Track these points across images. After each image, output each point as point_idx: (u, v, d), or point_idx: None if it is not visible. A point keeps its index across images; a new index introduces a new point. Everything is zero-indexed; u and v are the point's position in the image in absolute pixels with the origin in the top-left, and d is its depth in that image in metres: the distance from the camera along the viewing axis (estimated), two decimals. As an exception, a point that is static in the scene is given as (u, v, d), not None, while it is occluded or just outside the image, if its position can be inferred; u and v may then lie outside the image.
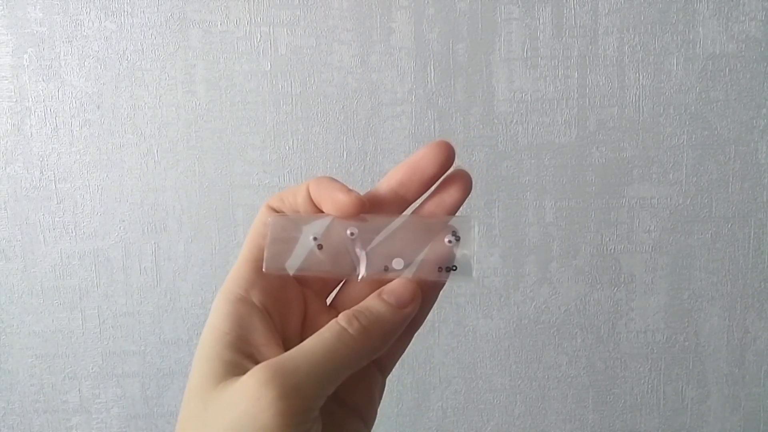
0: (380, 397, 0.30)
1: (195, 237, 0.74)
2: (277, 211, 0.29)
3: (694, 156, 0.73)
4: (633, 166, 0.73)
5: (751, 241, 0.74)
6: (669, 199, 0.73)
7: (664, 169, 0.73)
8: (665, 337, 0.76)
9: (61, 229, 0.74)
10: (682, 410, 0.77)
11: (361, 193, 0.28)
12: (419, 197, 0.30)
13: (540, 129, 0.72)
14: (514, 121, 0.72)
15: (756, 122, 0.72)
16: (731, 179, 0.73)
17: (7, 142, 0.72)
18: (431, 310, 0.30)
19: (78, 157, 0.73)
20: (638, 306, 0.75)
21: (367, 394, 0.30)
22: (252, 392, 0.23)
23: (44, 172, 0.73)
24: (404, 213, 0.30)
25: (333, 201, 0.28)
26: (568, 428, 0.78)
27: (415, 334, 0.31)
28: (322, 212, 0.29)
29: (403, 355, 0.31)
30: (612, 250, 0.74)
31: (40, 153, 0.73)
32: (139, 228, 0.74)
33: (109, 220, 0.74)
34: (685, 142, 0.72)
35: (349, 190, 0.28)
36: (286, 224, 0.29)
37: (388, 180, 0.29)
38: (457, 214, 0.30)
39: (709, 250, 0.74)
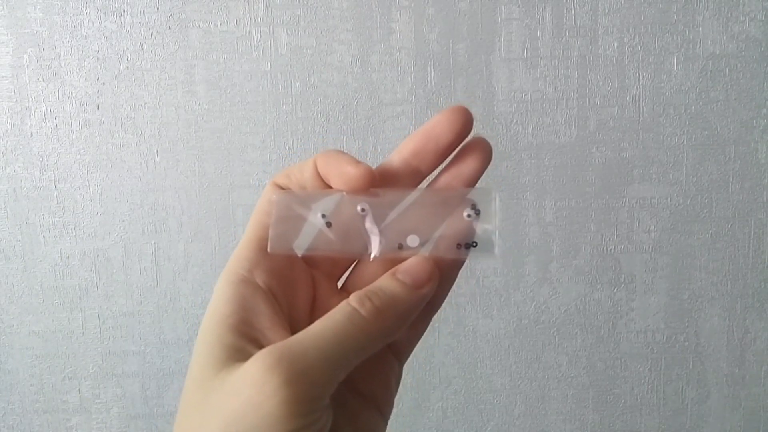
0: (397, 387, 0.28)
1: (195, 237, 0.74)
2: (283, 188, 0.27)
3: (694, 156, 0.73)
4: (633, 166, 0.73)
5: (751, 241, 0.74)
6: (669, 199, 0.73)
7: (664, 169, 0.73)
8: (665, 337, 0.76)
9: (61, 229, 0.74)
10: (682, 410, 0.77)
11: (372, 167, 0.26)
12: (435, 169, 0.27)
13: (540, 129, 0.72)
14: (514, 121, 0.72)
15: (756, 122, 0.72)
16: (731, 179, 0.73)
17: (7, 142, 0.72)
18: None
19: (78, 157, 0.73)
20: (638, 306, 0.75)
21: (383, 382, 0.28)
22: (255, 378, 0.21)
23: (44, 172, 0.73)
24: (419, 186, 0.28)
25: (341, 175, 0.26)
26: (568, 428, 0.78)
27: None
28: (331, 188, 0.27)
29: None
30: (612, 250, 0.74)
31: (40, 153, 0.73)
32: (139, 228, 0.74)
33: (109, 220, 0.74)
34: (685, 142, 0.72)
35: (359, 162, 0.26)
36: (292, 202, 0.27)
37: (400, 151, 0.27)
38: (476, 186, 0.27)
39: (709, 250, 0.74)
